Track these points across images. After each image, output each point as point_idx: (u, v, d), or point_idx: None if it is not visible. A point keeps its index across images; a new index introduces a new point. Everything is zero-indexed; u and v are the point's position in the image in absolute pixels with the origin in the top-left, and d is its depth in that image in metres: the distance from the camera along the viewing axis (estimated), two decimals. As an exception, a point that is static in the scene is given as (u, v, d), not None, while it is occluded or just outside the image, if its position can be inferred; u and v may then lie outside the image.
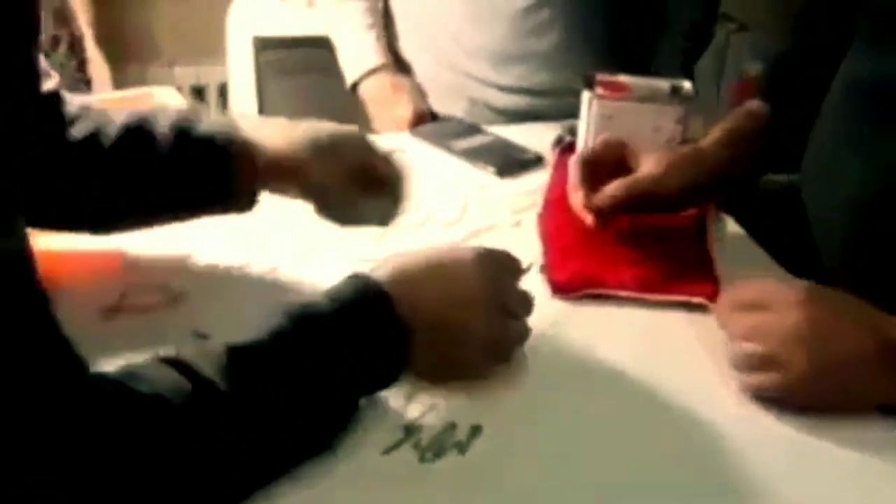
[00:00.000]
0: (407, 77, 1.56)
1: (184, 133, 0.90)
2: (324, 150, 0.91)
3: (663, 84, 1.14)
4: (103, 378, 0.62)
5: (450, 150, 1.28)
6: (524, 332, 0.82)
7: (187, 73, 2.64)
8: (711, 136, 1.07)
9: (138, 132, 0.90)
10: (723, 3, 1.70)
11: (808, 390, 0.78)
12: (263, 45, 2.06)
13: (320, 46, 2.05)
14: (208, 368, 0.64)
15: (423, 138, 1.32)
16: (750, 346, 0.80)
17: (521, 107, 1.49)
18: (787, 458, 0.75)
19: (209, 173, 0.90)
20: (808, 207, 1.02)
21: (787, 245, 1.05)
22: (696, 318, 0.93)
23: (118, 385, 0.61)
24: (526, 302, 0.82)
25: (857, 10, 0.99)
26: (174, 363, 0.64)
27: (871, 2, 0.97)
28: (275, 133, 0.92)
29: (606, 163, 1.04)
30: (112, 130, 0.89)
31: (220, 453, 0.64)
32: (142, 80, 2.35)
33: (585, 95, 1.13)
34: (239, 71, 2.13)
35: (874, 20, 0.96)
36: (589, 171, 1.03)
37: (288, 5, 2.07)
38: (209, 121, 0.91)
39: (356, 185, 0.93)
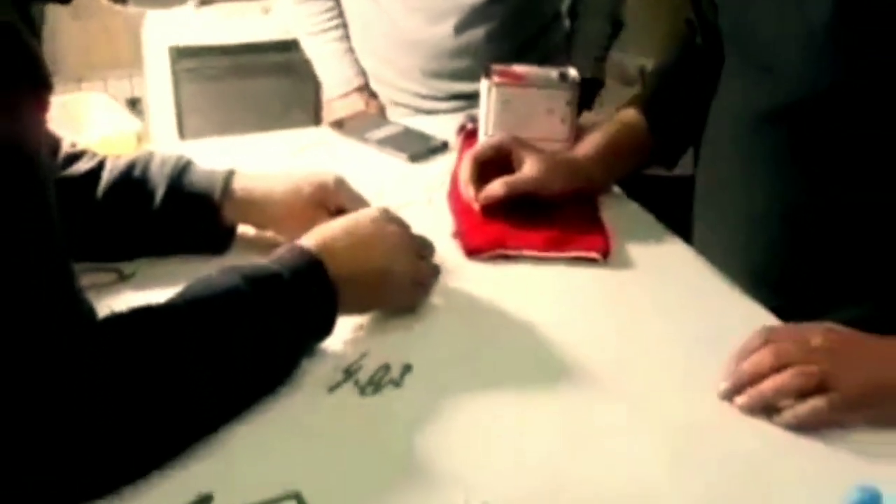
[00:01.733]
0: (376, 101, 1.75)
1: (175, 188, 1.01)
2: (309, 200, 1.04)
3: (552, 72, 1.29)
4: (102, 322, 0.73)
5: (365, 140, 1.40)
6: (435, 269, 0.98)
7: (95, 88, 2.69)
8: (588, 144, 1.22)
9: (131, 182, 1.01)
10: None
11: (860, 408, 0.83)
12: (179, 54, 2.16)
13: (235, 53, 2.18)
14: (177, 318, 0.76)
15: (341, 132, 1.44)
16: (805, 369, 0.83)
17: (450, 109, 1.65)
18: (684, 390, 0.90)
19: (195, 227, 1.02)
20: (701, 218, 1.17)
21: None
22: (590, 270, 1.08)
23: (113, 329, 0.73)
24: (428, 244, 0.99)
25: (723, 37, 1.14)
26: (147, 312, 0.75)
27: (734, 31, 1.12)
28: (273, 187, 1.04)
29: (494, 161, 1.18)
30: (106, 175, 1.00)
31: (187, 392, 0.75)
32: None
33: (484, 84, 1.27)
34: (156, 80, 2.21)
35: (737, 49, 1.11)
36: (478, 168, 1.18)
37: (203, 14, 2.18)
38: (198, 174, 1.03)
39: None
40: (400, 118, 1.61)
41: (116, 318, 0.75)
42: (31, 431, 0.66)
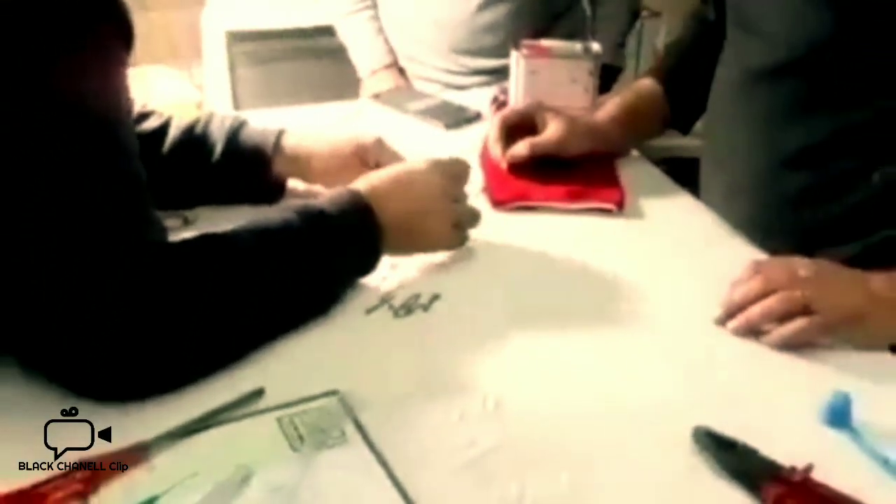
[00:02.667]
0: (403, 79, 1.88)
1: (232, 143, 1.13)
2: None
3: (577, 45, 1.40)
4: (172, 243, 0.87)
5: (405, 111, 1.52)
6: (474, 213, 1.08)
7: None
8: (607, 109, 1.33)
9: (194, 138, 1.13)
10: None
11: (839, 331, 0.93)
12: (235, 39, 2.31)
13: (288, 37, 2.32)
14: (236, 243, 0.88)
15: (382, 103, 1.56)
16: (789, 294, 0.92)
17: (475, 84, 1.78)
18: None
19: (249, 179, 1.14)
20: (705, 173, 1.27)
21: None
22: (606, 220, 1.19)
23: (181, 247, 0.86)
24: (465, 195, 1.08)
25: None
26: (211, 237, 0.88)
27: (733, 2, 1.22)
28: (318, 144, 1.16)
29: (521, 124, 1.30)
30: (172, 132, 1.13)
31: (242, 309, 0.87)
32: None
33: (514, 56, 1.38)
34: (213, 64, 2.37)
35: (733, 17, 1.21)
36: (505, 129, 1.29)
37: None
38: (253, 132, 1.15)
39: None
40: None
41: (184, 240, 0.88)
42: (101, 332, 0.78)
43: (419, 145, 1.38)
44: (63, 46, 0.77)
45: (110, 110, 0.81)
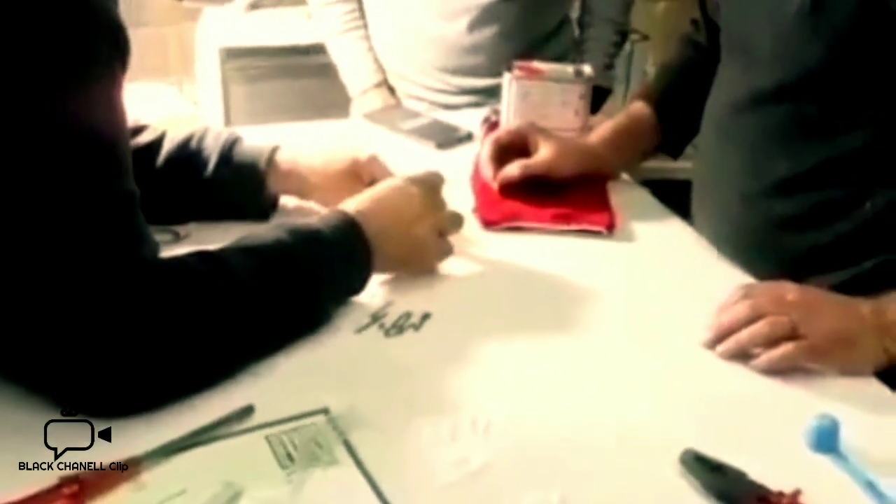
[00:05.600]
0: (393, 97, 1.88)
1: (225, 158, 1.14)
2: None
3: (568, 68, 1.41)
4: (162, 259, 0.87)
5: (396, 130, 1.53)
6: (456, 218, 1.09)
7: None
8: (599, 132, 1.34)
9: (187, 152, 1.13)
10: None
11: (826, 356, 0.93)
12: (229, 55, 2.32)
13: (281, 55, 2.33)
14: (227, 260, 0.88)
15: (374, 122, 1.57)
16: (777, 319, 0.93)
17: (463, 103, 1.78)
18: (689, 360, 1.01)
19: (242, 194, 1.14)
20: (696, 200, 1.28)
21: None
22: (595, 242, 1.20)
23: (171, 264, 0.86)
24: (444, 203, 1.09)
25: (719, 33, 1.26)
26: (201, 254, 0.88)
27: (725, 26, 1.23)
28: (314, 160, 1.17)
29: (513, 145, 1.31)
30: (166, 146, 1.13)
31: (231, 327, 0.87)
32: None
33: (506, 77, 1.39)
34: (206, 80, 2.37)
35: (726, 40, 1.23)
36: (498, 150, 1.30)
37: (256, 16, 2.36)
38: (247, 147, 1.16)
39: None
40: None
41: (176, 257, 0.88)
42: (91, 347, 0.78)
43: (410, 164, 1.39)
44: (60, 65, 0.77)
45: (106, 127, 0.81)
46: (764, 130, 1.14)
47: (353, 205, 1.02)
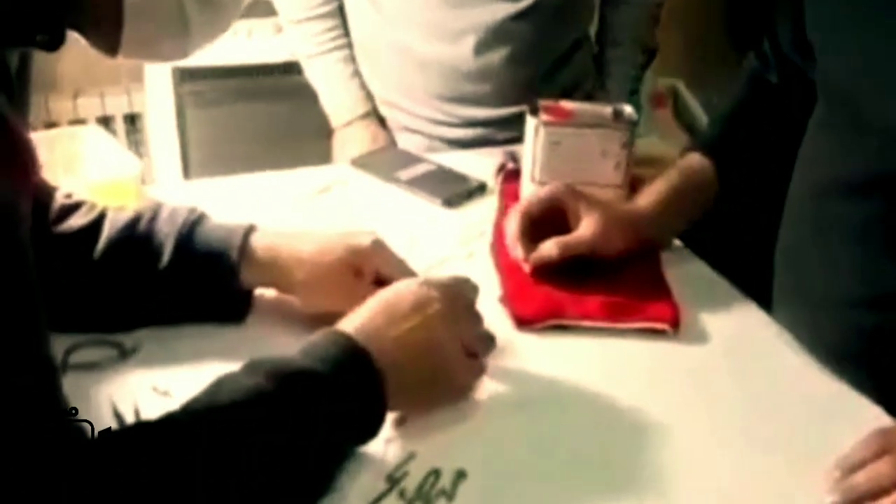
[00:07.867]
0: (383, 130, 1.58)
1: (184, 245, 0.88)
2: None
3: (605, 108, 1.15)
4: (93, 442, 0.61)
5: (394, 181, 1.26)
6: (489, 338, 0.85)
7: (92, 104, 2.54)
8: (650, 195, 1.08)
9: (134, 238, 0.88)
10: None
11: None
12: (183, 77, 2.02)
13: (245, 75, 2.04)
14: (182, 438, 0.62)
15: (366, 169, 1.30)
16: None
17: (467, 137, 1.50)
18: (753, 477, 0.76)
19: (208, 291, 0.89)
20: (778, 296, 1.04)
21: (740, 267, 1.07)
22: (659, 344, 0.94)
23: (106, 452, 0.60)
24: (477, 314, 0.85)
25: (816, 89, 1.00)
26: (146, 431, 0.63)
27: (830, 77, 0.97)
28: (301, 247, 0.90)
29: (545, 215, 1.04)
30: (106, 230, 0.88)
31: None
32: (45, 112, 2.27)
33: (531, 122, 1.13)
34: (158, 102, 2.07)
35: (830, 104, 0.97)
36: (528, 223, 1.03)
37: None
38: (213, 229, 0.89)
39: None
40: (412, 147, 1.47)
41: (110, 438, 0.62)
42: None
43: (410, 229, 1.14)
44: None
45: (14, 287, 0.56)
46: (884, 223, 0.89)
47: (355, 322, 0.77)
